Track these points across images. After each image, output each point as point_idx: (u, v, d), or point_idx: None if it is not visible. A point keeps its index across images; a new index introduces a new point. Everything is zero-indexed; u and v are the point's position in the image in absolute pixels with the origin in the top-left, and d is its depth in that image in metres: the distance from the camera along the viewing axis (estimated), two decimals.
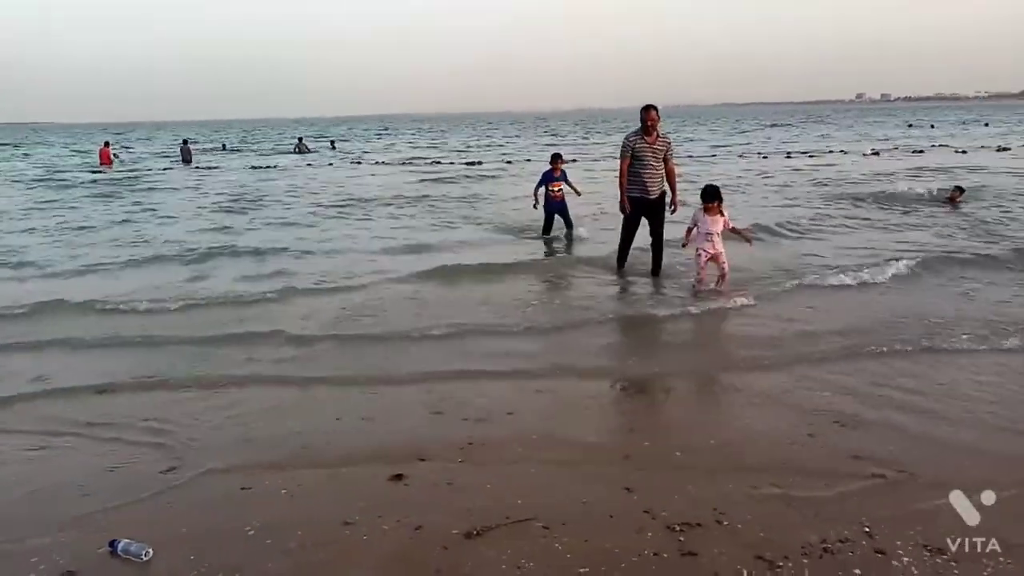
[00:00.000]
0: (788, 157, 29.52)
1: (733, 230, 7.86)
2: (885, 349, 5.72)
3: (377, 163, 31.87)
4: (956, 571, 3.01)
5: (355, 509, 3.57)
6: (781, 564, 3.05)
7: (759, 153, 32.20)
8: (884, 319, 6.54)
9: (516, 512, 3.49)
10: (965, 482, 3.61)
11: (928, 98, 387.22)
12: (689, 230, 7.89)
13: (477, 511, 3.50)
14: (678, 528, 3.33)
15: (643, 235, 8.57)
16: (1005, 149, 29.60)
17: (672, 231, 8.53)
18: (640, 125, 8.35)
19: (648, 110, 8.30)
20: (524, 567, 3.08)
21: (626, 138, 8.47)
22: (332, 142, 47.86)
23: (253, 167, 30.49)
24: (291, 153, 39.88)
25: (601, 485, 3.77)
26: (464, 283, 8.39)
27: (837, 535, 3.24)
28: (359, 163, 31.98)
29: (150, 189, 21.50)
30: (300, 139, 42.75)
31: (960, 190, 14.41)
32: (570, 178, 11.45)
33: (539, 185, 11.45)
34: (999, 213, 12.73)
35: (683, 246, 8.17)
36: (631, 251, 8.72)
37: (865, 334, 6.09)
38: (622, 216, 8.62)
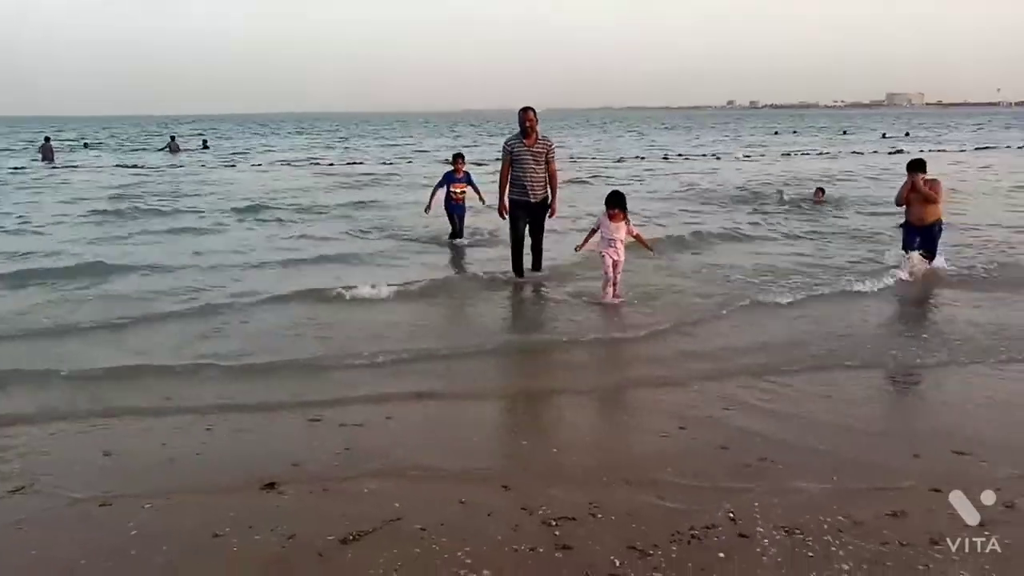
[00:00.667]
0: (665, 159, 30.67)
1: (637, 237, 7.75)
2: (781, 366, 5.72)
3: (254, 165, 30.50)
4: (810, 544, 3.20)
5: (225, 520, 3.43)
6: (652, 552, 3.16)
7: (637, 156, 33.30)
8: (779, 337, 6.51)
9: (393, 515, 3.46)
10: (818, 473, 3.87)
11: (793, 105, 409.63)
12: (592, 231, 7.72)
13: (353, 516, 3.44)
14: (554, 523, 3.38)
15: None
16: (859, 153, 32.92)
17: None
18: (519, 128, 8.35)
19: (526, 111, 8.26)
20: (401, 569, 3.05)
21: (505, 142, 8.47)
22: (204, 141, 45.60)
23: (119, 166, 28.96)
24: (160, 151, 38.12)
25: (479, 485, 3.79)
26: (349, 304, 7.62)
27: (704, 523, 3.38)
28: (234, 165, 30.54)
29: (3, 192, 19.89)
30: (172, 137, 40.80)
31: (822, 191, 16.04)
32: (475, 181, 11.05)
33: (438, 186, 10.85)
34: (863, 219, 13.58)
35: (576, 249, 7.97)
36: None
37: (758, 352, 6.08)
38: (508, 224, 8.54)
